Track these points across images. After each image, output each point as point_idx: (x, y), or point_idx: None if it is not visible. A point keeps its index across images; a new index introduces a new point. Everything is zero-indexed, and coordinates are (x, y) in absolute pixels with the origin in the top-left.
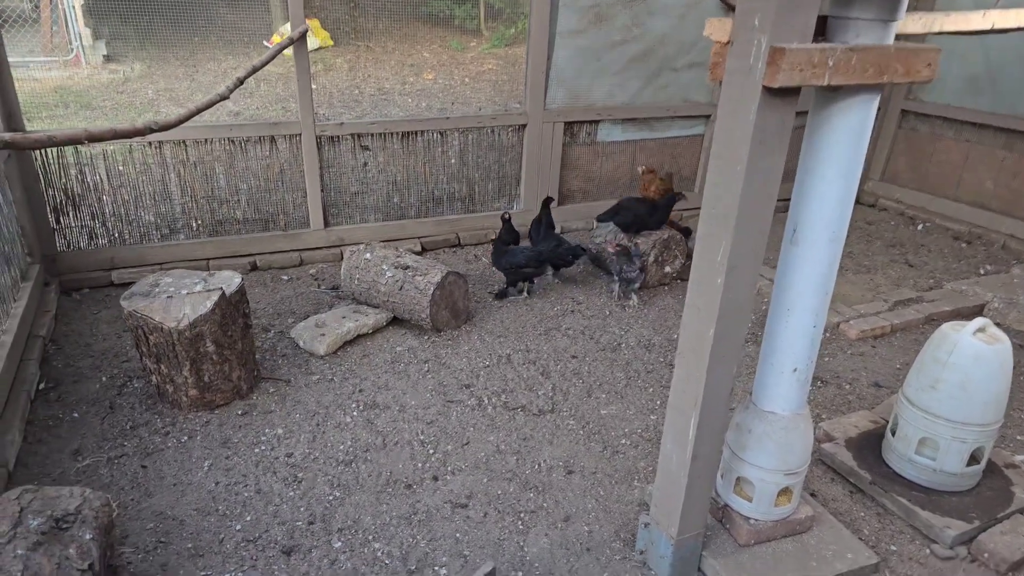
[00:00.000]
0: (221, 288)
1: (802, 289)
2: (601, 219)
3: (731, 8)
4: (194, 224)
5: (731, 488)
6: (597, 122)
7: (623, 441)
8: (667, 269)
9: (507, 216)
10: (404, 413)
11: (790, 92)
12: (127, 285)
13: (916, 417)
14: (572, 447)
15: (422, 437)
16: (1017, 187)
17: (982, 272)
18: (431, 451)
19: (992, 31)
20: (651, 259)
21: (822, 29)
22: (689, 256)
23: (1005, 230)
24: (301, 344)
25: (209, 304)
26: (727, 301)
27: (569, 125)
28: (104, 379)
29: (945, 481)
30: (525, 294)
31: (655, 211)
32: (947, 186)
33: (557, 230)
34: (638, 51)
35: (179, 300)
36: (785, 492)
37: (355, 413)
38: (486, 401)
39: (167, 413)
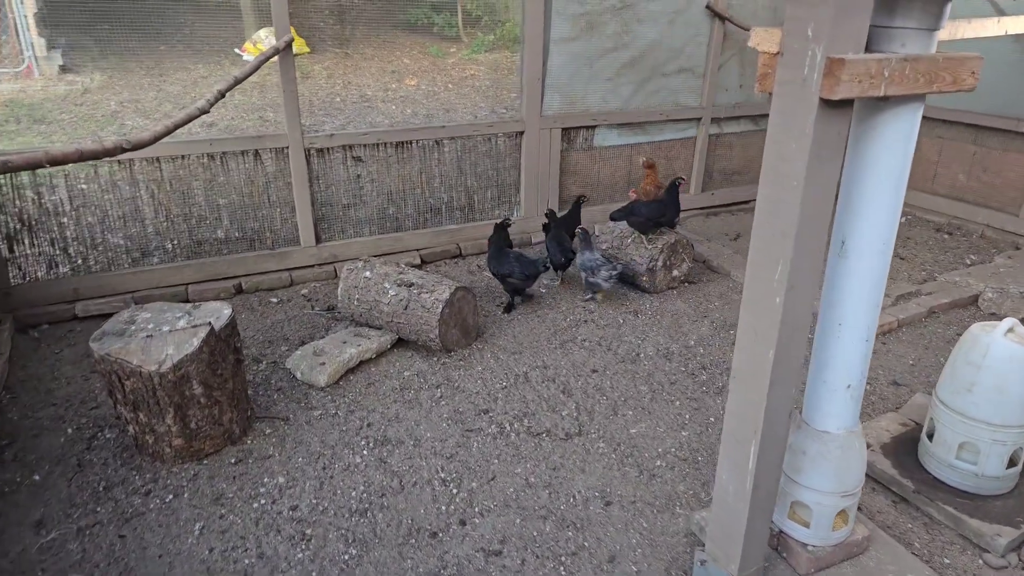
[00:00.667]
0: (209, 322)
1: (853, 303)
2: (614, 217)
3: (717, 15)
4: (170, 246)
5: (785, 513)
6: (593, 127)
7: (658, 463)
8: (675, 273)
9: (509, 222)
10: (420, 448)
11: (846, 104)
12: (94, 319)
13: (954, 421)
14: (606, 474)
15: (442, 474)
16: (988, 180)
17: (968, 262)
18: (454, 490)
19: (1005, 35)
20: (659, 263)
21: None
22: (695, 260)
23: (981, 220)
24: (298, 375)
25: (196, 342)
26: (787, 322)
27: (566, 131)
28: (70, 431)
29: (987, 485)
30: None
31: (664, 207)
32: (924, 180)
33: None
34: (629, 57)
35: (160, 339)
36: (842, 514)
37: (365, 452)
38: (508, 427)
39: (147, 468)
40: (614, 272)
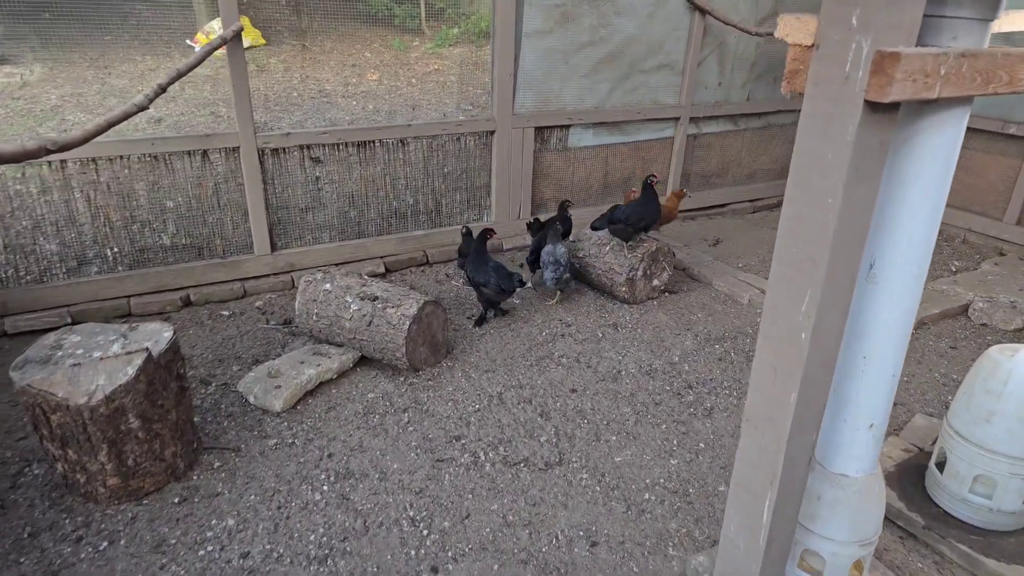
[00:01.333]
0: (146, 348)
1: (881, 334)
2: (595, 227)
3: (698, 8)
4: (110, 254)
5: (794, 562)
6: (568, 127)
7: (647, 496)
8: (655, 282)
9: (465, 229)
10: (386, 481)
11: (892, 107)
12: (24, 336)
13: (969, 453)
14: (590, 509)
15: (411, 512)
16: (970, 182)
17: (953, 269)
18: (425, 531)
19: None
20: (639, 273)
21: None
22: (676, 268)
23: (963, 224)
24: (252, 400)
25: (131, 371)
26: (813, 361)
27: (540, 131)
28: None
29: (1001, 521)
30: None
31: (643, 210)
32: None
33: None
34: (606, 53)
35: (90, 367)
36: (857, 564)
37: (325, 487)
38: (482, 456)
39: (79, 510)
40: (554, 276)
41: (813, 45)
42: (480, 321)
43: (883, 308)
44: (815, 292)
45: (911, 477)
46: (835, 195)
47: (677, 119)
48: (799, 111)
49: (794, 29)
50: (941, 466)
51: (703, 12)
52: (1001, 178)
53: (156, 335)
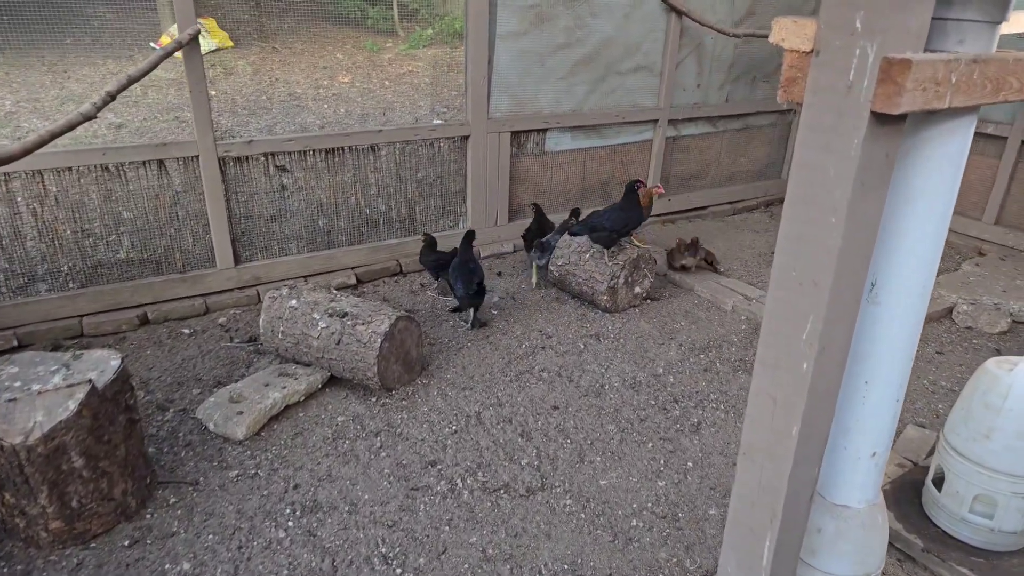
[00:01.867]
0: (90, 379)
1: (885, 357)
2: (574, 232)
3: (674, 9)
4: (61, 271)
5: None
6: (545, 131)
7: (634, 522)
8: (637, 290)
9: (428, 237)
10: (356, 515)
11: (900, 118)
12: None
13: (968, 471)
14: (575, 539)
15: (383, 549)
16: None
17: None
18: (398, 570)
19: None
20: (620, 281)
21: None
22: (657, 274)
23: None
24: (211, 427)
25: (72, 405)
26: (816, 391)
27: (516, 135)
28: None
29: (1002, 541)
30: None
31: (627, 216)
32: None
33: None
34: (583, 54)
35: (27, 402)
36: None
37: (290, 523)
38: (460, 483)
39: (19, 556)
40: (539, 262)
41: (812, 51)
42: (473, 324)
43: (886, 330)
44: (818, 317)
45: (907, 495)
46: (839, 213)
47: (656, 121)
48: (777, 112)
49: (790, 33)
50: (938, 483)
51: (679, 13)
52: (979, 178)
53: (102, 364)
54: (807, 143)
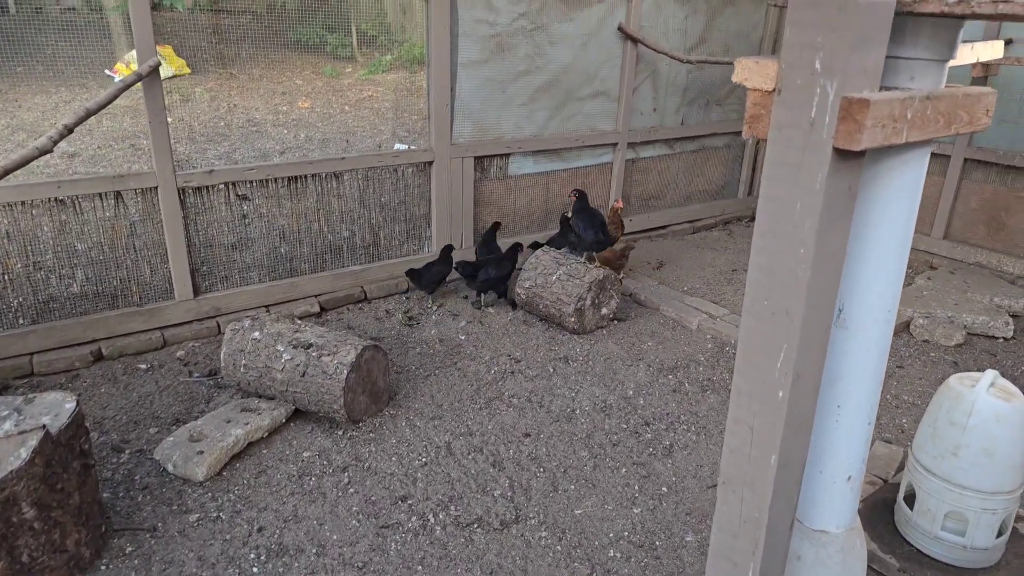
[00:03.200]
0: (43, 425)
1: (854, 380)
2: (554, 243)
3: (630, 37)
4: (10, 307)
5: None
6: (508, 155)
7: (611, 553)
8: (604, 311)
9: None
10: (324, 557)
11: (861, 153)
12: None
13: (939, 489)
14: (553, 573)
15: None
16: None
17: None
18: None
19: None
20: (587, 302)
21: None
22: (622, 294)
23: None
24: (170, 468)
25: (24, 453)
26: (792, 419)
27: (479, 160)
28: None
29: (976, 557)
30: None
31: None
32: None
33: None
34: (543, 81)
35: None
36: None
37: (255, 569)
38: (431, 519)
39: None
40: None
41: (775, 89)
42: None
43: (855, 353)
44: (791, 347)
45: (880, 514)
46: (807, 245)
47: (615, 145)
48: (731, 134)
49: (753, 73)
50: (909, 501)
51: (635, 41)
52: (927, 194)
53: (56, 407)
54: (774, 178)
